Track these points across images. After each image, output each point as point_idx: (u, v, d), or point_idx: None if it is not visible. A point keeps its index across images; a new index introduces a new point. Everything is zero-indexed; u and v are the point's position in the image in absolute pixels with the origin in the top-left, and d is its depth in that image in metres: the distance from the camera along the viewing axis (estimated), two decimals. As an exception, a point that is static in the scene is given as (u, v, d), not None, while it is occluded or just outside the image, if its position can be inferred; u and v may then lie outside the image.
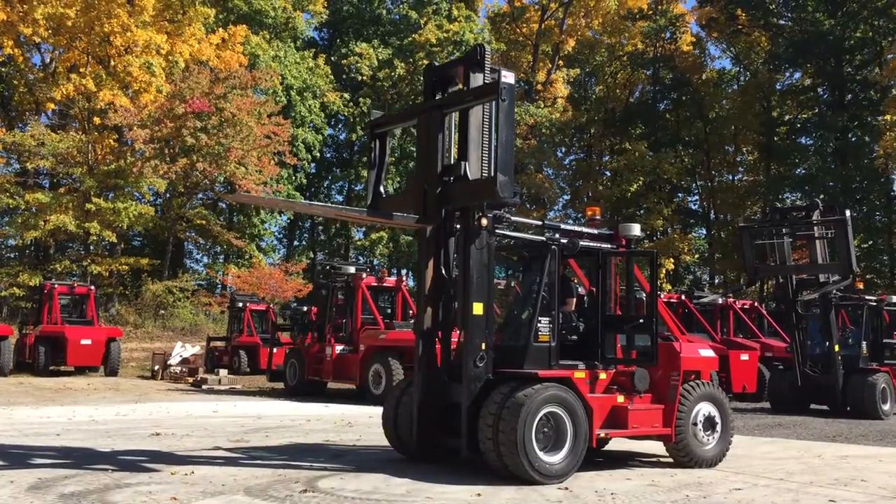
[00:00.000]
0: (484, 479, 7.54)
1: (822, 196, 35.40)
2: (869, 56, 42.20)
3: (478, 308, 8.02)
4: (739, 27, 45.97)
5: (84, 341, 23.51)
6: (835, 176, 40.40)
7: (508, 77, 7.94)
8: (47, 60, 38.01)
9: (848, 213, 17.09)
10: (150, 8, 33.94)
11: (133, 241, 41.89)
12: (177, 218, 36.55)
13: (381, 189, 9.21)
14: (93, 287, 26.75)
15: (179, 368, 24.10)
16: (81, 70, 33.71)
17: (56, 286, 25.17)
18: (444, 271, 8.61)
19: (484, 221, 8.03)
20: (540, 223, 9.15)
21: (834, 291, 17.35)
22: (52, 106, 35.63)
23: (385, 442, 9.15)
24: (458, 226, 8.50)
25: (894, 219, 38.21)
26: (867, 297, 18.64)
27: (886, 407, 16.86)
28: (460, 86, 8.75)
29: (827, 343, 17.42)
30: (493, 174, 8.08)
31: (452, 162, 8.62)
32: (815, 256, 17.68)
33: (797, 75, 46.20)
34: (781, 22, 45.77)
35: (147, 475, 7.48)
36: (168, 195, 36.18)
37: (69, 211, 31.89)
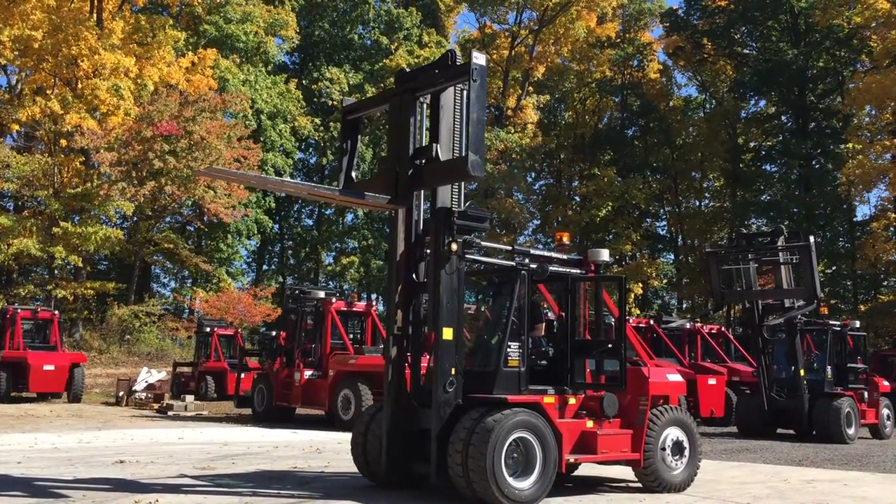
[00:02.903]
0: (453, 506, 7.50)
1: (786, 222, 35.99)
2: (831, 85, 43.15)
3: (447, 333, 7.99)
4: (705, 56, 46.80)
5: (47, 367, 23.06)
6: (799, 202, 41.08)
7: (479, 58, 7.93)
8: (13, 82, 37.64)
9: (812, 239, 17.38)
10: (119, 31, 33.80)
11: (99, 264, 41.33)
12: (144, 241, 36.16)
13: (353, 175, 9.22)
14: (57, 312, 26.28)
15: (145, 394, 23.73)
16: (48, 92, 33.40)
17: (19, 311, 24.68)
18: (414, 276, 8.57)
19: (454, 246, 8.04)
20: (510, 248, 9.17)
21: (799, 316, 17.60)
22: (17, 127, 35.21)
23: (354, 468, 9.05)
24: (428, 251, 8.48)
25: (857, 244, 38.87)
26: (831, 322, 18.92)
27: (851, 431, 17.07)
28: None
29: (792, 368, 17.64)
30: (464, 154, 8.09)
31: (424, 145, 8.64)
32: (780, 282, 17.95)
33: (762, 103, 47.08)
34: (746, 51, 46.69)
35: (110, 504, 7.34)
36: (136, 218, 35.83)
37: (33, 234, 31.41)
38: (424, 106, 8.79)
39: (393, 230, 8.73)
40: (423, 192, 8.79)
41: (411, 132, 8.58)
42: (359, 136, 9.52)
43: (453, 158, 8.37)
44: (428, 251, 8.47)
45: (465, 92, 8.18)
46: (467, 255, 8.39)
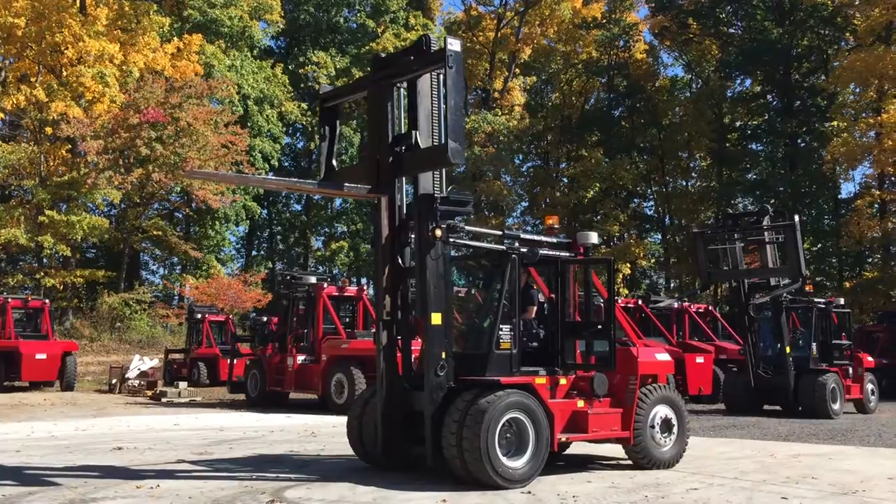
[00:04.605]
0: (448, 486, 7.66)
1: (772, 201, 36.30)
2: (816, 64, 43.34)
3: (436, 318, 8.08)
4: (691, 36, 46.87)
5: (39, 356, 23.07)
6: (785, 181, 41.35)
7: (454, 44, 7.87)
8: (-3, 70, 37.34)
9: (797, 218, 17.62)
10: (104, 17, 33.54)
11: (88, 252, 41.24)
12: (132, 229, 36.10)
13: (334, 162, 9.23)
14: (47, 301, 26.28)
15: (138, 382, 23.82)
16: (32, 80, 33.17)
17: (9, 300, 24.64)
18: (400, 261, 8.61)
19: (438, 232, 8.09)
20: (500, 233, 9.29)
21: (784, 294, 17.84)
22: (1, 116, 35.01)
23: (349, 451, 9.21)
24: (413, 236, 8.52)
25: (842, 222, 39.21)
26: (816, 300, 19.19)
27: (836, 406, 17.37)
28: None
29: (778, 345, 17.91)
30: (443, 142, 8.10)
31: (404, 132, 8.64)
32: (765, 261, 18.18)
33: (747, 83, 47.24)
34: (731, 31, 46.78)
35: (112, 490, 7.47)
36: (123, 206, 35.74)
37: (21, 224, 31.31)
38: (402, 92, 8.76)
39: (377, 217, 8.76)
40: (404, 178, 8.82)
41: (389, 119, 8.56)
42: (338, 123, 9.49)
43: (433, 146, 8.37)
44: (412, 236, 8.52)
45: (441, 77, 8.15)
46: (458, 241, 8.49)
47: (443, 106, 8.20)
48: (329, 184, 9.18)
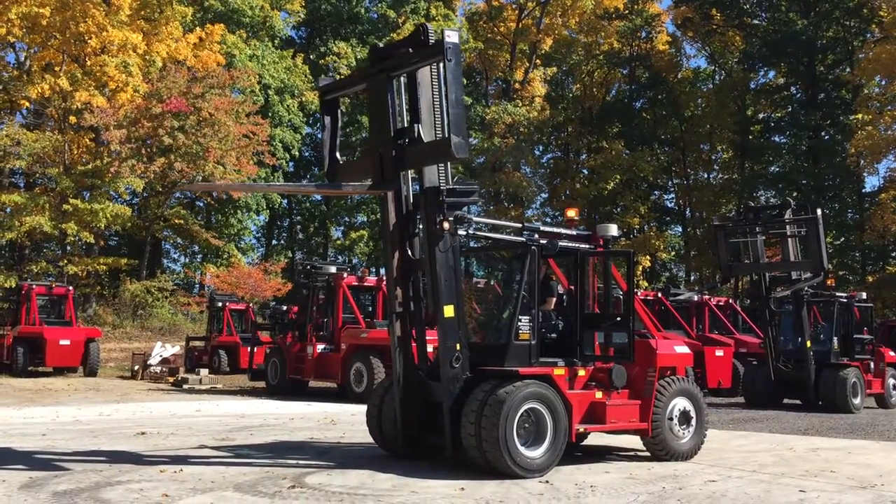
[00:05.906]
0: (467, 474, 7.73)
1: (795, 194, 36.04)
2: (841, 55, 42.91)
3: (448, 311, 8.08)
4: (714, 27, 46.52)
5: (63, 342, 23.43)
6: (808, 174, 41.04)
7: (452, 36, 7.67)
8: (21, 59, 37.71)
9: (819, 211, 17.47)
10: (127, 7, 33.74)
11: (110, 240, 41.68)
12: (154, 218, 36.43)
13: (338, 154, 9.11)
14: (71, 287, 26.62)
15: (160, 368, 24.09)
16: (56, 69, 33.48)
17: (34, 287, 25.02)
18: (409, 253, 8.55)
19: (446, 225, 8.05)
20: (520, 225, 9.29)
21: (806, 288, 17.75)
22: (26, 104, 35.37)
23: (368, 439, 9.30)
24: (421, 227, 8.46)
25: (865, 216, 38.88)
26: (838, 294, 19.06)
27: (857, 401, 17.28)
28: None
29: (799, 339, 17.82)
30: (446, 135, 7.95)
31: (406, 125, 8.47)
32: (787, 254, 18.08)
33: (771, 74, 46.89)
34: (755, 22, 46.39)
35: (136, 473, 7.60)
36: (146, 195, 36.06)
37: (45, 212, 31.69)
38: (402, 84, 8.56)
39: (384, 211, 8.67)
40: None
41: (391, 112, 8.34)
42: (339, 116, 9.34)
43: (436, 140, 8.19)
44: (420, 227, 8.46)
45: (441, 66, 7.93)
46: (479, 233, 8.49)
47: (444, 100, 7.99)
48: (328, 185, 9.10)
